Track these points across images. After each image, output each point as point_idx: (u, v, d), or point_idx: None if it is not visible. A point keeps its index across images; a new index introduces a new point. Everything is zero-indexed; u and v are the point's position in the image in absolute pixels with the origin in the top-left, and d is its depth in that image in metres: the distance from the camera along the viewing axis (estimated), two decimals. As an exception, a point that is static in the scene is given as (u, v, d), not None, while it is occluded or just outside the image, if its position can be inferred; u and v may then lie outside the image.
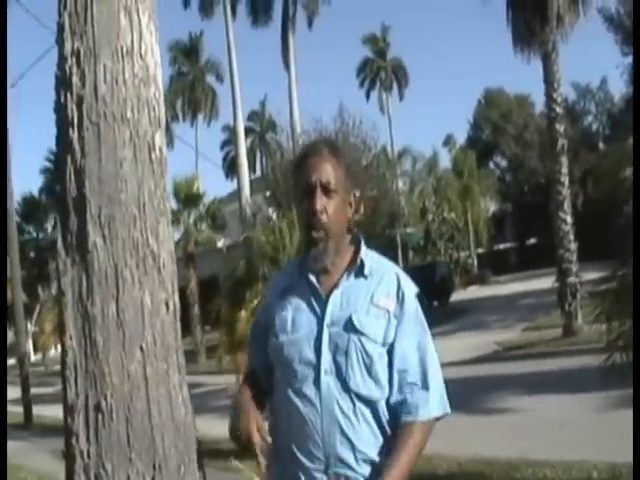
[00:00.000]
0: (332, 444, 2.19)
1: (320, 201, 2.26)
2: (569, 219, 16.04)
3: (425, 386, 2.24)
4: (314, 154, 2.32)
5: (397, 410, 2.23)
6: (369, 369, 2.23)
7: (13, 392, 22.38)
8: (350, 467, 2.20)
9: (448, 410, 2.29)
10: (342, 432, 2.19)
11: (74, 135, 2.29)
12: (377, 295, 2.28)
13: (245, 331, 8.56)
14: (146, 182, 2.31)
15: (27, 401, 16.83)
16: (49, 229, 46.56)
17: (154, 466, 2.11)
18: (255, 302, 8.48)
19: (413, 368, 2.25)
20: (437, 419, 2.26)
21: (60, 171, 2.33)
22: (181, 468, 2.16)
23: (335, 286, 2.28)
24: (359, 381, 2.22)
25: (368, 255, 2.34)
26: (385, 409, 2.24)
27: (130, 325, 2.17)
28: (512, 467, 6.51)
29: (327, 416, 2.20)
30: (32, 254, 44.33)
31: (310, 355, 2.24)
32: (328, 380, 2.21)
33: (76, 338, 2.18)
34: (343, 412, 2.20)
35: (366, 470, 2.21)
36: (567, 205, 16.19)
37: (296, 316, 2.29)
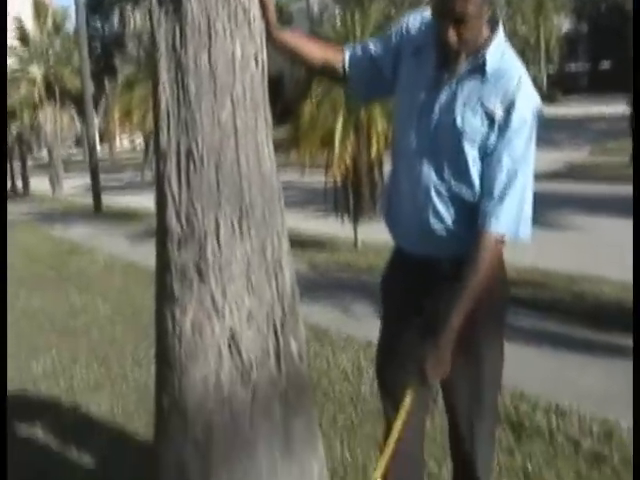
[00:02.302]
0: (426, 219, 2.34)
1: (452, 33, 2.16)
2: (648, 44, 15.20)
3: (500, 200, 2.25)
4: None
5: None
6: (462, 168, 2.27)
7: (81, 181, 23.18)
8: (440, 238, 2.35)
9: (520, 234, 2.29)
10: (434, 209, 2.32)
11: None
12: (489, 98, 2.23)
13: (308, 125, 8.57)
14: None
15: (97, 190, 17.35)
16: (115, 23, 46.14)
17: (241, 211, 2.22)
18: (319, 92, 8.41)
19: (499, 180, 2.24)
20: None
21: None
22: (266, 214, 2.27)
23: (455, 72, 2.26)
24: (451, 176, 2.29)
25: (499, 49, 2.26)
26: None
27: (221, 75, 2.21)
28: (571, 280, 6.68)
29: (423, 193, 2.32)
30: (99, 48, 44.22)
31: (418, 129, 2.32)
32: (428, 160, 2.31)
33: (169, 87, 2.23)
34: (438, 193, 2.31)
35: (452, 245, 2.34)
36: (646, 27, 15.28)
37: (417, 84, 2.34)
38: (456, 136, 2.25)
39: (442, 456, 3.53)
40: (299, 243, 8.86)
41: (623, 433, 3.81)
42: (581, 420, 4.01)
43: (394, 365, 2.58)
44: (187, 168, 2.21)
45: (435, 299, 2.39)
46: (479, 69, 2.24)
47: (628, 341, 5.01)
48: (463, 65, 2.26)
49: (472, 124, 2.24)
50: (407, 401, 2.41)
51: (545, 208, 9.25)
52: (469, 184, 2.28)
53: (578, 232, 8.73)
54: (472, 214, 2.29)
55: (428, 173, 2.31)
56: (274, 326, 2.25)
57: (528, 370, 4.71)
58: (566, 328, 5.56)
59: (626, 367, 4.66)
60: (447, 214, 2.32)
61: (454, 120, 2.25)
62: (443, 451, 3.47)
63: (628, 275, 6.39)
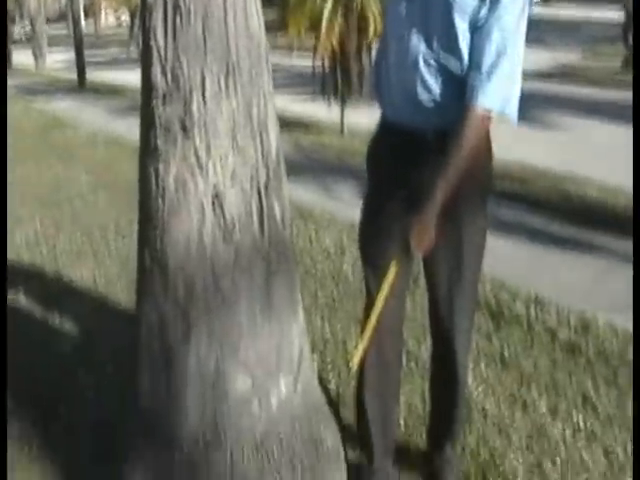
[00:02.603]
0: (413, 89, 2.31)
1: None
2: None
3: (488, 75, 2.21)
4: None
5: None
6: (450, 40, 2.23)
7: (65, 56, 22.63)
8: (426, 109, 2.32)
9: (507, 111, 2.27)
10: (422, 79, 2.29)
11: None
12: None
13: (297, 4, 8.31)
14: None
15: (81, 65, 16.92)
16: None
17: (227, 68, 2.16)
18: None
19: (488, 54, 2.20)
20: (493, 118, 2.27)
21: None
22: (252, 73, 2.21)
23: None
24: (440, 48, 2.25)
25: None
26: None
27: None
28: (557, 179, 6.70)
29: (411, 63, 2.29)
30: None
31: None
32: (418, 30, 2.27)
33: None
34: (427, 63, 2.27)
35: (439, 117, 2.31)
36: None
37: None
38: (446, 7, 2.20)
39: (422, 335, 3.62)
40: (285, 124, 8.74)
41: (599, 327, 3.90)
42: (559, 312, 4.09)
43: (378, 237, 2.58)
44: (174, 21, 2.13)
45: (419, 172, 2.38)
46: None
47: (610, 241, 5.11)
48: None
49: None
50: (391, 273, 2.43)
51: (535, 107, 9.23)
52: (458, 57, 2.24)
53: (566, 133, 8.67)
54: (459, 88, 2.26)
55: (417, 43, 2.27)
56: (258, 187, 2.22)
57: (509, 261, 4.77)
58: (550, 224, 5.62)
59: (606, 266, 4.78)
60: (434, 85, 2.29)
61: None
62: (423, 330, 3.56)
63: (614, 179, 6.44)
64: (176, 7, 2.13)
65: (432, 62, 2.27)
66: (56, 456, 2.94)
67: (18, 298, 4.33)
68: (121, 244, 5.20)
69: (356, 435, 2.82)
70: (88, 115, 11.84)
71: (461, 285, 2.52)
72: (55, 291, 4.45)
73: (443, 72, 2.28)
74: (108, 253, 5.06)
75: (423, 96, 2.31)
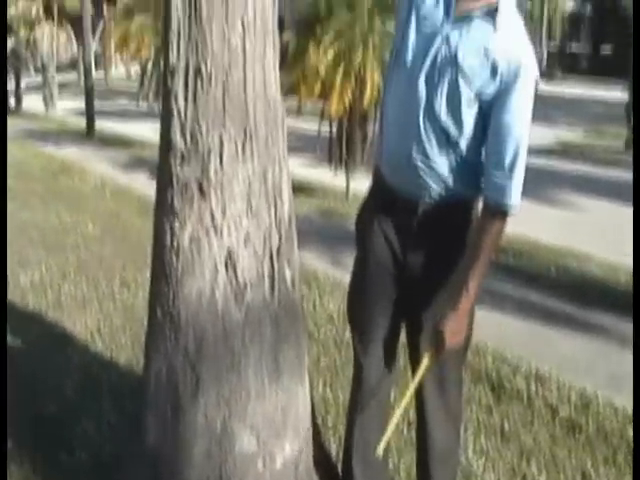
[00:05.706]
0: (410, 153, 2.31)
1: None
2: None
3: (510, 174, 2.24)
4: None
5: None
6: (453, 105, 2.23)
7: (75, 104, 22.82)
8: (421, 173, 2.32)
9: (519, 202, 2.30)
10: (419, 142, 2.29)
11: None
12: (495, 47, 2.19)
13: (315, 69, 8.36)
14: None
15: (90, 113, 17.05)
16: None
17: (245, 133, 2.24)
18: (327, 38, 8.23)
19: (510, 151, 2.23)
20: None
21: None
22: (269, 139, 2.30)
23: (464, 14, 2.21)
24: (442, 111, 2.25)
25: (509, 4, 2.23)
26: (464, 150, 2.29)
27: (233, -1, 2.21)
28: (558, 254, 6.69)
29: (411, 126, 2.29)
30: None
31: (418, 55, 2.28)
32: (421, 91, 2.26)
33: (182, 5, 2.22)
34: (426, 126, 2.27)
35: (437, 185, 2.33)
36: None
37: (426, 6, 2.29)
38: (454, 72, 2.21)
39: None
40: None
41: (600, 405, 3.90)
42: (560, 388, 4.08)
43: (365, 305, 2.58)
44: (195, 86, 2.22)
45: (411, 241, 2.41)
46: (490, 16, 2.20)
47: (608, 320, 5.13)
48: (476, 9, 2.21)
49: (472, 65, 2.20)
50: (423, 366, 2.38)
51: (536, 182, 9.24)
52: (459, 123, 2.25)
53: (568, 210, 8.69)
54: (456, 158, 2.29)
55: (419, 104, 2.27)
56: (270, 250, 2.28)
57: (511, 335, 4.74)
58: (550, 299, 5.59)
59: (604, 345, 4.78)
60: (431, 150, 2.28)
61: (456, 57, 2.20)
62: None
63: (613, 256, 6.45)
64: (197, 72, 2.22)
65: (432, 125, 2.26)
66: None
67: (21, 343, 4.34)
68: (126, 295, 5.22)
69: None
70: (95, 164, 11.91)
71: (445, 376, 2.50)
72: (60, 339, 4.46)
73: (442, 137, 2.27)
74: (113, 303, 5.08)
75: (418, 159, 2.30)
